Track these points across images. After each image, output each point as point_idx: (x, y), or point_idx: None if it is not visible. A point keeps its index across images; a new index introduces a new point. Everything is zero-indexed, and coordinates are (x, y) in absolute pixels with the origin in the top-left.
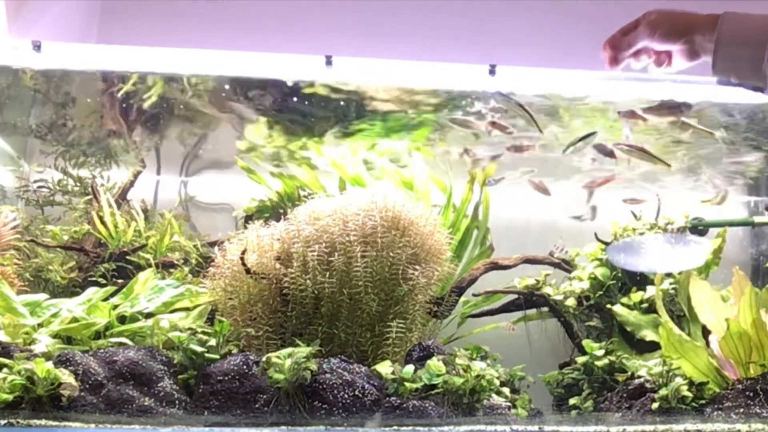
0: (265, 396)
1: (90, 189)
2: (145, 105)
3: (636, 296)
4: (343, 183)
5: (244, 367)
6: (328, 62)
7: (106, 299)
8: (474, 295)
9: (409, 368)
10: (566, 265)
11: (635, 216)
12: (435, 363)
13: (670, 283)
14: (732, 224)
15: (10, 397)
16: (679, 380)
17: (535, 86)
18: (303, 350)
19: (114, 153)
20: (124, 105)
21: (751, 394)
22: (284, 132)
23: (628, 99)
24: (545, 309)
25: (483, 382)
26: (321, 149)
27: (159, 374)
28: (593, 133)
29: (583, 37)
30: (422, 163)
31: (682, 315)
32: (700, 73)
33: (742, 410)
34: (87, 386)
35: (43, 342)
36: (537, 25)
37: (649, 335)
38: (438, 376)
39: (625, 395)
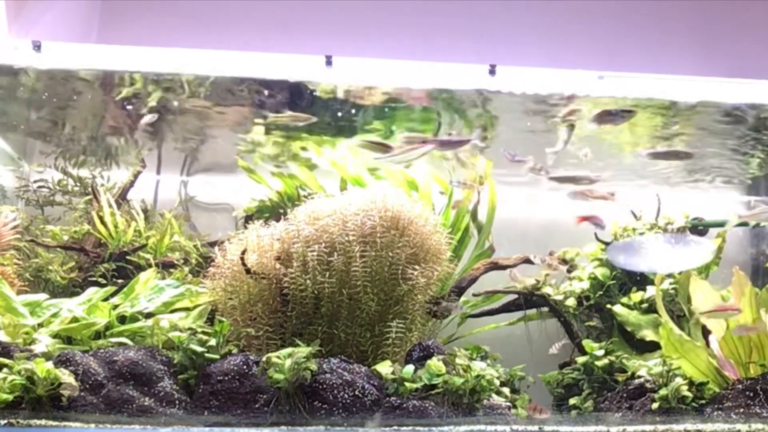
0: (265, 396)
1: (90, 189)
2: (146, 105)
3: (636, 296)
4: (344, 183)
5: (244, 367)
6: (328, 62)
7: (106, 299)
8: (474, 295)
9: (409, 368)
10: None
11: (635, 216)
12: (435, 363)
13: (670, 283)
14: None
15: (10, 397)
16: (679, 380)
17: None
18: (303, 350)
19: (114, 153)
20: (125, 105)
21: (751, 394)
22: (284, 132)
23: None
24: (545, 309)
25: (483, 382)
26: (321, 149)
27: (159, 374)
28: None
29: (583, 37)
30: (425, 162)
31: (682, 315)
32: (697, 73)
33: (742, 410)
34: (87, 386)
35: (43, 342)
36: (537, 25)
37: (649, 335)
38: (438, 376)
39: (625, 395)
